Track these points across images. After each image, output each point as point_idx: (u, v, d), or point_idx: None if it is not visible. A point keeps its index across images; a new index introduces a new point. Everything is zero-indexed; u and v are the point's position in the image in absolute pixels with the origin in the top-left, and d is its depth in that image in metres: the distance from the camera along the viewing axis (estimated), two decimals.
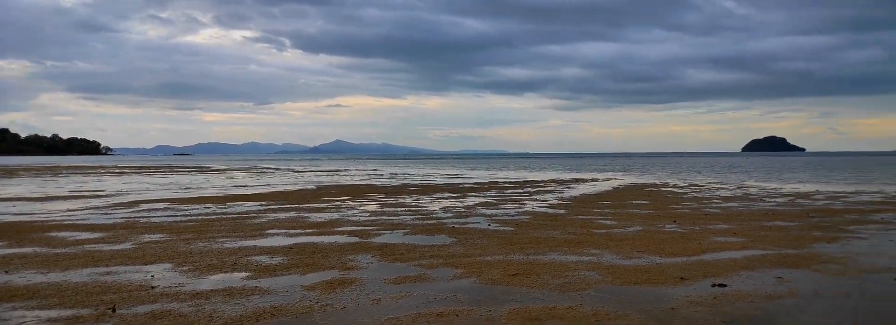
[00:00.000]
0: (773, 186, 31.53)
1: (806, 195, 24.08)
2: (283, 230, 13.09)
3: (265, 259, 9.41)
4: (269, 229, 13.39)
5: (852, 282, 7.69)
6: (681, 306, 6.48)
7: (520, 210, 17.92)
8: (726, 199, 22.44)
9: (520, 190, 28.16)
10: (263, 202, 21.02)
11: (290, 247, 10.65)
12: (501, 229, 13.38)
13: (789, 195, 24.13)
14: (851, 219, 15.14)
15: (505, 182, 36.04)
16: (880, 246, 10.72)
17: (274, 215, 16.60)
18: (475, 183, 35.04)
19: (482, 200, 22.07)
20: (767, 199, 22.31)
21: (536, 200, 22.12)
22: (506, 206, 19.44)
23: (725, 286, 7.42)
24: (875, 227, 13.53)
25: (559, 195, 24.62)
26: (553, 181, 37.24)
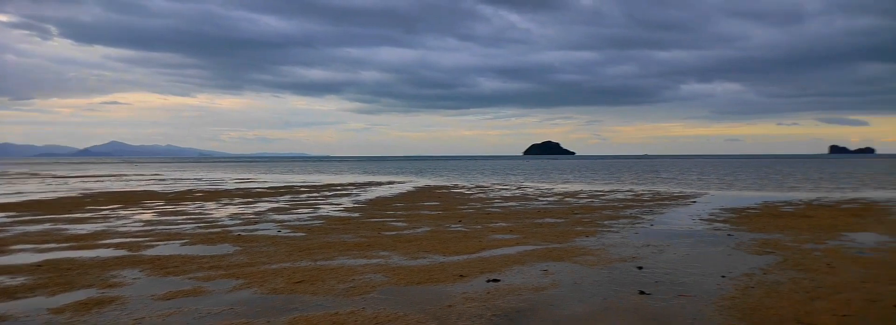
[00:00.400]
0: (547, 186, 34.82)
1: (573, 194, 26.95)
2: (32, 245, 11.36)
3: (5, 280, 8.06)
4: (13, 244, 11.53)
5: (604, 271, 8.71)
6: (457, 302, 6.80)
7: (314, 215, 17.60)
8: (507, 199, 24.26)
9: (316, 194, 27.70)
10: (11, 213, 18.09)
11: (39, 264, 9.26)
12: (292, 235, 13.00)
13: (559, 194, 26.82)
14: (607, 215, 17.23)
15: (301, 186, 35.22)
16: (628, 238, 12.31)
17: (22, 227, 14.35)
18: (269, 187, 33.75)
19: (275, 205, 21.30)
20: (541, 198, 24.56)
21: (332, 203, 21.92)
22: (299, 211, 18.97)
23: (499, 281, 7.96)
24: (625, 221, 15.53)
25: (355, 199, 24.67)
26: (351, 184, 37.24)
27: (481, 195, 26.57)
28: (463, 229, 13.91)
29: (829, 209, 18.82)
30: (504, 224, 14.79)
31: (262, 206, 20.90)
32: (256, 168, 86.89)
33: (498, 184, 37.70)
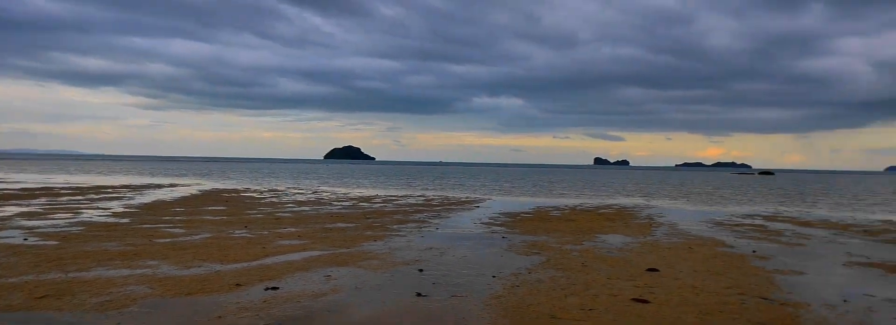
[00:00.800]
0: (344, 190, 34.78)
1: (368, 199, 27.23)
2: None
3: None
4: None
5: (386, 275, 8.88)
6: (229, 313, 6.45)
7: (73, 220, 15.58)
8: (300, 203, 23.74)
9: (80, 197, 24.58)
10: None
11: None
12: (42, 243, 11.36)
13: (354, 199, 26.93)
14: (397, 219, 17.66)
15: (63, 188, 31.03)
16: (413, 242, 12.72)
17: None
18: (22, 189, 29.22)
19: (26, 209, 18.48)
20: (336, 202, 24.44)
21: (98, 208, 19.61)
22: (56, 216, 16.67)
23: (278, 288, 7.72)
24: (413, 225, 16.04)
25: (128, 202, 22.34)
26: (125, 187, 33.69)
27: (274, 200, 25.69)
28: (248, 235, 13.29)
29: (588, 214, 21.27)
30: (293, 230, 14.42)
31: (9, 210, 18.02)
32: (10, 166, 74.86)
33: (293, 188, 36.77)
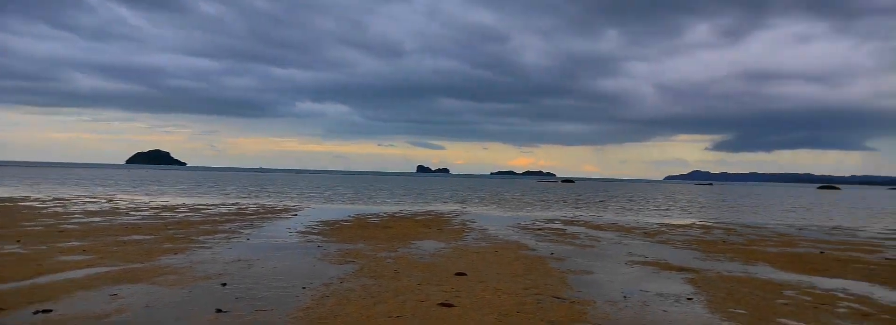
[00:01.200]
0: (145, 199, 31.84)
1: (172, 208, 25.18)
2: None
3: None
4: None
5: (184, 291, 8.23)
6: None
7: None
8: (91, 213, 21.28)
9: None
10: None
11: None
12: None
13: (156, 208, 24.75)
14: (204, 230, 16.53)
15: None
16: (220, 254, 11.96)
17: None
18: None
19: None
20: (134, 212, 22.27)
21: None
22: None
23: (51, 311, 6.80)
24: (222, 236, 15.12)
25: None
26: None
27: (58, 210, 22.75)
28: (20, 250, 11.60)
29: (406, 221, 21.65)
30: (78, 243, 12.86)
31: None
32: None
33: (85, 196, 32.90)
